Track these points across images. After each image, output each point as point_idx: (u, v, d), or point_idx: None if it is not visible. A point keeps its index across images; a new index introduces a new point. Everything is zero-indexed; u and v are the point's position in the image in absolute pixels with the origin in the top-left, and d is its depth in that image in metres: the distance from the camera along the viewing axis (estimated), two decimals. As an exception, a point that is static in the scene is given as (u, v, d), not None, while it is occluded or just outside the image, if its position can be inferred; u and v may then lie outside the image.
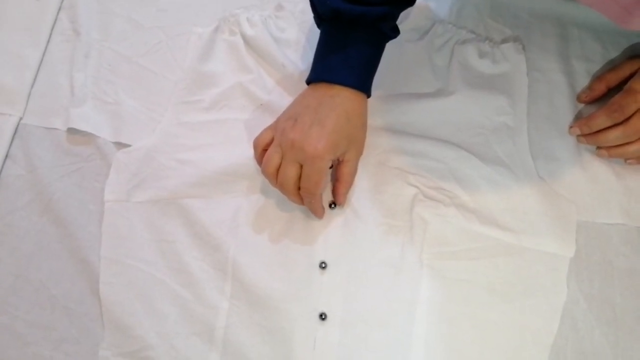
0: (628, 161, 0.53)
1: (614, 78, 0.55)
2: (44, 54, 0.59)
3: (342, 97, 0.48)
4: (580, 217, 0.52)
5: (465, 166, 0.53)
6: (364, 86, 0.49)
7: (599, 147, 0.53)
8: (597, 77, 0.56)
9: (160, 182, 0.53)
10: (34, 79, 0.58)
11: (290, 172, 0.47)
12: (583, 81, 0.57)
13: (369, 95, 0.50)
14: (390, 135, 0.54)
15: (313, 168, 0.46)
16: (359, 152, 0.51)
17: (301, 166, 0.47)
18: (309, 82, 0.50)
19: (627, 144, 0.51)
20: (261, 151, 0.49)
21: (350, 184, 0.51)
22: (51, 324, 0.49)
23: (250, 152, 0.53)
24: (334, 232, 0.51)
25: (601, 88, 0.55)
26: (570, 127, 0.55)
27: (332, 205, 0.52)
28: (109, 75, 0.58)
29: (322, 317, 0.48)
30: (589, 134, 0.53)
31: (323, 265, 0.50)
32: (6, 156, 0.54)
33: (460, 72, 0.56)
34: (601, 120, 0.51)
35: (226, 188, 0.53)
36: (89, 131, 0.55)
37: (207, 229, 0.51)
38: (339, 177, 0.50)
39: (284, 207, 0.52)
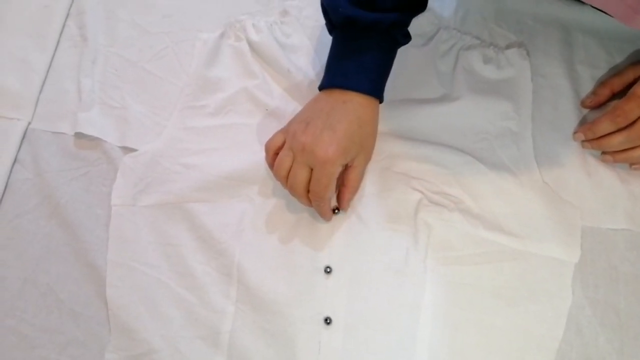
0: (633, 166, 0.53)
1: (618, 83, 0.55)
2: (52, 60, 0.59)
3: (354, 103, 0.48)
4: (585, 222, 0.52)
5: (470, 171, 0.53)
6: (377, 92, 0.49)
7: (603, 153, 0.53)
8: (602, 83, 0.56)
9: (165, 186, 0.53)
10: (42, 84, 0.58)
11: (300, 176, 0.47)
12: (587, 87, 0.57)
13: (381, 101, 0.50)
14: (395, 140, 0.54)
15: (323, 172, 0.46)
16: (368, 159, 0.51)
17: (311, 170, 0.47)
18: (321, 88, 0.50)
19: (632, 148, 0.52)
20: (272, 154, 0.50)
21: (356, 189, 0.51)
22: (58, 327, 0.49)
23: (255, 157, 0.54)
24: (338, 236, 0.51)
25: (605, 93, 0.55)
26: (575, 132, 0.55)
27: (336, 211, 0.52)
28: (116, 81, 0.58)
29: (327, 321, 0.48)
30: (594, 139, 0.53)
31: (328, 270, 0.50)
32: (15, 160, 0.55)
33: (465, 77, 0.56)
34: (605, 126, 0.51)
35: (231, 192, 0.53)
36: (96, 136, 0.55)
37: (212, 233, 0.51)
38: (346, 182, 0.50)
39: (289, 211, 0.52)
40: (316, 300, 0.49)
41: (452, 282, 0.50)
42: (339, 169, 0.47)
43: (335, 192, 0.52)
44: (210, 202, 0.52)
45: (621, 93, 0.54)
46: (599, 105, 0.56)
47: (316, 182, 0.47)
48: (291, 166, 0.48)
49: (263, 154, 0.53)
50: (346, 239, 0.51)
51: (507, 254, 0.50)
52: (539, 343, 0.48)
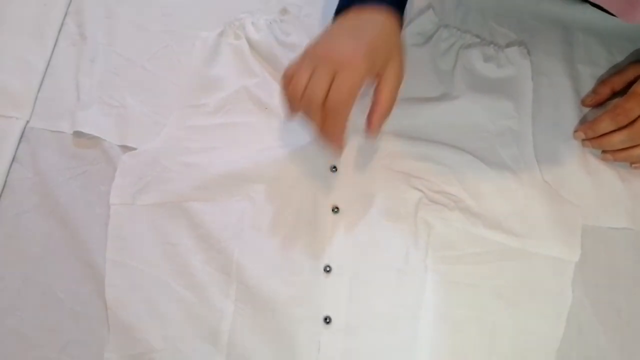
0: (633, 165, 0.53)
1: (618, 82, 0.55)
2: (50, 58, 0.59)
3: (375, 19, 0.43)
4: (586, 221, 0.52)
5: (470, 170, 0.53)
6: (397, 7, 0.45)
7: (604, 151, 0.53)
8: (602, 81, 0.56)
9: (165, 185, 0.53)
10: (41, 83, 0.58)
11: (320, 83, 0.41)
12: (588, 85, 0.57)
13: (402, 22, 0.46)
14: (395, 139, 0.54)
15: (346, 77, 0.41)
16: (399, 75, 0.45)
17: (332, 81, 0.41)
18: (336, 12, 0.46)
19: (632, 147, 0.52)
20: (289, 79, 0.43)
21: (387, 108, 0.44)
22: (57, 326, 0.49)
23: (255, 156, 0.54)
24: (338, 235, 0.51)
25: (606, 92, 0.55)
26: (575, 131, 0.55)
27: (336, 209, 0.52)
28: (115, 79, 0.58)
29: (327, 320, 0.48)
30: (594, 138, 0.53)
31: (328, 269, 0.50)
32: (13, 159, 0.55)
33: (465, 76, 0.56)
34: (605, 124, 0.51)
35: (231, 191, 0.53)
36: (95, 134, 0.55)
37: (212, 232, 0.51)
38: (375, 99, 0.44)
39: (289, 210, 0.52)
40: (316, 300, 0.49)
41: (453, 281, 0.50)
42: (364, 78, 0.42)
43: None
44: (209, 201, 0.52)
45: (622, 92, 0.54)
46: (600, 104, 0.56)
47: (337, 89, 0.41)
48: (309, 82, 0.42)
49: (263, 153, 0.53)
50: (346, 238, 0.51)
51: (508, 253, 0.50)
52: (539, 342, 0.48)
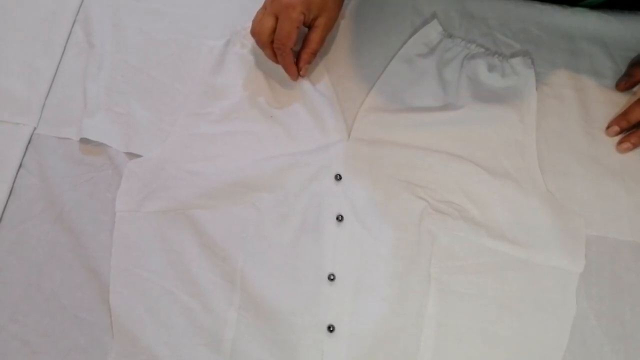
0: None
1: None
2: (58, 66, 0.60)
3: None
4: (590, 231, 0.51)
5: (474, 180, 0.53)
6: None
7: None
8: (634, 64, 0.56)
9: (170, 192, 0.53)
10: (48, 90, 0.59)
11: (267, 23, 0.53)
12: (593, 95, 0.57)
13: None
14: (400, 148, 0.54)
15: (286, 18, 0.51)
16: (329, 24, 0.55)
17: (277, 20, 0.52)
18: None
19: None
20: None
21: (314, 51, 0.55)
22: (60, 333, 0.49)
23: (259, 164, 0.54)
24: (342, 244, 0.51)
25: (639, 73, 0.55)
26: (608, 127, 0.55)
27: (340, 218, 0.52)
28: (122, 87, 0.58)
29: (330, 329, 0.48)
30: (634, 136, 0.53)
31: (331, 278, 0.50)
32: (20, 165, 0.55)
33: (470, 86, 0.56)
34: (637, 113, 0.53)
35: (235, 199, 0.53)
36: (101, 141, 0.55)
37: (216, 240, 0.51)
38: (305, 43, 0.55)
39: (293, 218, 0.52)
40: (319, 308, 0.49)
41: (456, 291, 0.49)
42: (300, 18, 0.52)
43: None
44: (214, 209, 0.53)
45: None
46: (633, 86, 0.56)
47: (279, 29, 0.52)
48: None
49: (268, 161, 0.53)
50: (350, 247, 0.51)
51: (511, 263, 0.50)
52: (543, 353, 0.48)
